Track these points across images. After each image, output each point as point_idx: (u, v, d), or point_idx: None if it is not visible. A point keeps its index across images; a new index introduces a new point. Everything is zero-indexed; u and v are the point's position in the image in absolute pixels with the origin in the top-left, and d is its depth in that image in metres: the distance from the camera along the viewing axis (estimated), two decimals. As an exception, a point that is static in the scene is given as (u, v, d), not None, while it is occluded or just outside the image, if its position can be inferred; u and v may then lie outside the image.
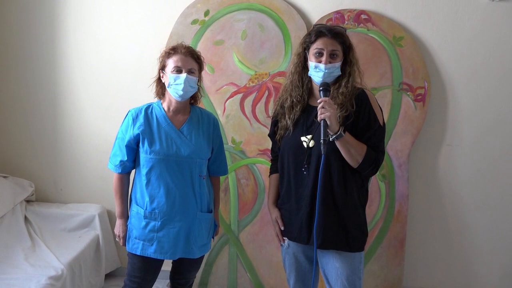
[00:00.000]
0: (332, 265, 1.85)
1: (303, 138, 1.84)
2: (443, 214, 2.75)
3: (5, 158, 3.01)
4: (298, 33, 2.61)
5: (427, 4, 2.60)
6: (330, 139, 1.71)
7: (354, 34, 2.55)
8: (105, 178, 2.84)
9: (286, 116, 1.90)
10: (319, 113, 1.69)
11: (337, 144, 1.74)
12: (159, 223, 1.97)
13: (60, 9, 2.84)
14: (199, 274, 2.73)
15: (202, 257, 2.13)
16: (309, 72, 1.85)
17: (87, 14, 2.82)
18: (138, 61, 2.80)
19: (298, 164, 1.85)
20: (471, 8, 2.58)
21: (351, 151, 1.75)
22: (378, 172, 2.25)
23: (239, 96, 2.71)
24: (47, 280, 2.19)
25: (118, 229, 2.09)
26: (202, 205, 2.02)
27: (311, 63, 1.81)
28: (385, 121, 2.06)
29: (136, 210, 2.01)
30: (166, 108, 2.02)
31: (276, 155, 2.04)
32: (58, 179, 3.00)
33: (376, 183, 2.67)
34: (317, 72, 1.80)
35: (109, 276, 2.91)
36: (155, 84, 2.06)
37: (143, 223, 1.98)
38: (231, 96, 2.72)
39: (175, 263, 2.14)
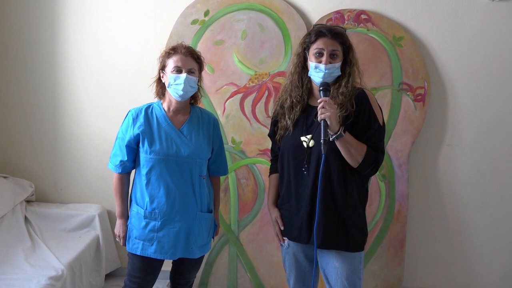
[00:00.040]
0: (332, 265, 1.85)
1: (303, 138, 1.84)
2: (443, 214, 2.75)
3: (5, 158, 3.01)
4: (298, 33, 2.61)
5: (427, 4, 2.60)
6: (330, 139, 1.71)
7: (354, 34, 2.55)
8: (105, 178, 2.84)
9: (286, 116, 1.90)
10: (319, 113, 1.69)
11: (337, 144, 1.74)
12: (159, 223, 1.97)
13: (60, 9, 2.84)
14: (199, 274, 2.73)
15: (202, 257, 2.13)
16: (309, 72, 1.85)
17: (87, 14, 2.82)
18: (138, 61, 2.80)
19: (298, 164, 1.85)
20: (471, 8, 2.58)
21: (351, 151, 1.75)
22: (378, 172, 2.25)
23: (239, 96, 2.71)
24: (47, 280, 2.19)
25: (118, 229, 2.09)
26: (202, 205, 2.02)
27: (311, 63, 1.81)
28: (385, 121, 2.06)
29: (136, 210, 2.01)
30: (166, 108, 2.02)
31: (276, 155, 2.04)
32: (58, 179, 3.00)
33: (376, 183, 2.67)
34: (317, 72, 1.80)
35: (109, 276, 2.91)
36: (155, 84, 2.06)
37: (143, 223, 1.98)
38: (231, 96, 2.72)
39: (175, 263, 2.14)
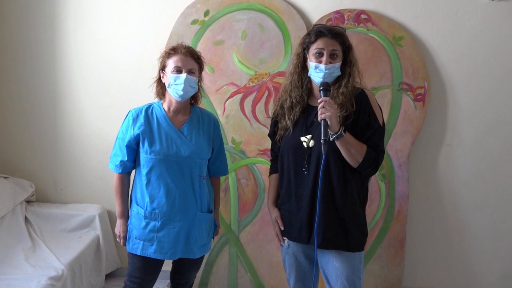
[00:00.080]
0: (332, 265, 1.85)
1: (303, 138, 1.84)
2: (443, 214, 2.75)
3: (5, 158, 3.01)
4: (298, 33, 2.61)
5: (427, 4, 2.60)
6: (331, 139, 1.71)
7: (354, 34, 2.55)
8: (105, 178, 2.85)
9: (286, 116, 1.90)
10: (319, 113, 1.69)
11: (337, 144, 1.74)
12: (159, 223, 1.97)
13: (60, 9, 2.84)
14: (199, 274, 2.73)
15: (202, 257, 2.13)
16: (309, 73, 1.85)
17: (87, 14, 2.83)
18: (138, 61, 2.80)
19: (298, 164, 1.85)
20: (471, 8, 2.58)
21: (351, 151, 1.75)
22: (378, 172, 2.26)
23: (239, 96, 2.71)
24: (47, 280, 2.19)
25: (118, 229, 2.09)
26: (202, 205, 2.02)
27: (311, 64, 1.81)
28: (385, 121, 2.06)
29: (136, 210, 2.02)
30: (166, 108, 2.02)
31: (276, 155, 2.04)
32: (58, 179, 3.00)
33: (376, 183, 2.67)
34: (317, 72, 1.80)
35: (109, 276, 2.91)
36: (155, 84, 2.06)
37: (143, 223, 1.98)
38: (231, 96, 2.72)
39: (175, 263, 2.14)
